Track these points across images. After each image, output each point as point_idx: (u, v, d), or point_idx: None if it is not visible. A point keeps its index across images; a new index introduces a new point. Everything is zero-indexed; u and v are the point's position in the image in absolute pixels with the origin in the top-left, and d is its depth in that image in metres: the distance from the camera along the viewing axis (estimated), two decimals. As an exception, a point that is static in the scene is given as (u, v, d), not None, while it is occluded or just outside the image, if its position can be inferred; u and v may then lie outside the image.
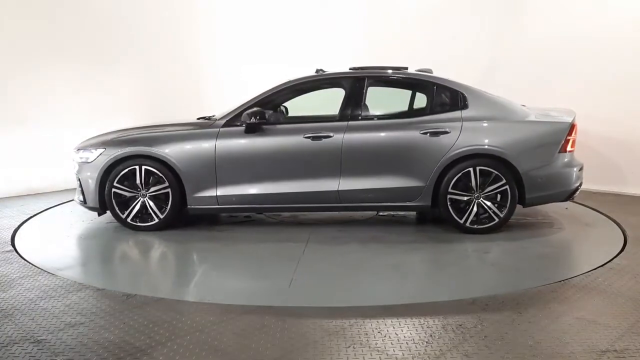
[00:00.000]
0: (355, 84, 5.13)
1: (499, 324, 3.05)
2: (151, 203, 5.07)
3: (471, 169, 4.81)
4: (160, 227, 5.10)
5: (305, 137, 4.94)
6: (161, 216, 5.08)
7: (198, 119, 5.50)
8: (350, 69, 5.35)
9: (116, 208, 5.08)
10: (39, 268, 4.11)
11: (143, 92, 8.36)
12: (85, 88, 7.66)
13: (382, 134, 4.95)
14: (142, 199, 5.08)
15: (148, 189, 5.06)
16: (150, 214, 5.09)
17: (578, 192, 5.04)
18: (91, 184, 5.07)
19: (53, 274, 3.96)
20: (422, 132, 4.87)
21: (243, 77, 9.11)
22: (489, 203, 4.85)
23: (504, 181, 4.79)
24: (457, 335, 2.91)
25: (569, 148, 4.90)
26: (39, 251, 4.61)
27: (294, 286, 3.71)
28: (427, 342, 2.83)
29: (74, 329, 3.00)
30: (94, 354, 2.71)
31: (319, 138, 4.93)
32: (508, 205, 4.82)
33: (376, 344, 2.82)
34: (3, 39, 6.85)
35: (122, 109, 7.98)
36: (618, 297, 3.42)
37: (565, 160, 4.89)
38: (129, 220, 5.12)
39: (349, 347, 2.78)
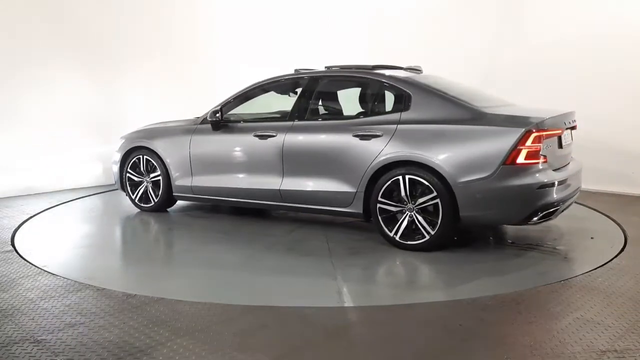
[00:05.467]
0: (308, 85, 5.14)
1: (499, 324, 3.05)
2: (149, 188, 5.84)
3: (400, 178, 4.36)
4: (156, 209, 5.88)
5: (255, 136, 5.12)
6: (156, 200, 5.83)
7: (196, 118, 5.75)
8: (325, 67, 5.34)
9: (129, 189, 5.98)
10: (39, 268, 4.11)
11: (146, 93, 8.33)
12: (86, 88, 7.64)
13: (319, 136, 4.87)
14: (145, 184, 5.87)
15: (149, 176, 5.82)
16: (149, 196, 5.89)
17: (551, 215, 4.27)
18: (115, 168, 6.06)
19: (53, 274, 3.95)
20: (353, 134, 4.62)
21: (243, 77, 9.10)
22: (420, 217, 4.31)
23: (435, 193, 4.22)
24: (457, 335, 2.91)
25: (520, 160, 4.03)
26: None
27: (133, 273, 4.21)
28: (427, 342, 2.83)
29: (74, 329, 3.00)
30: (94, 354, 2.71)
31: (265, 137, 5.05)
32: (439, 222, 4.22)
33: (376, 344, 2.81)
34: (5, 38, 6.83)
35: (124, 109, 7.96)
36: (618, 297, 3.41)
37: (516, 174, 4.04)
38: (136, 200, 5.98)
39: (349, 347, 2.78)
